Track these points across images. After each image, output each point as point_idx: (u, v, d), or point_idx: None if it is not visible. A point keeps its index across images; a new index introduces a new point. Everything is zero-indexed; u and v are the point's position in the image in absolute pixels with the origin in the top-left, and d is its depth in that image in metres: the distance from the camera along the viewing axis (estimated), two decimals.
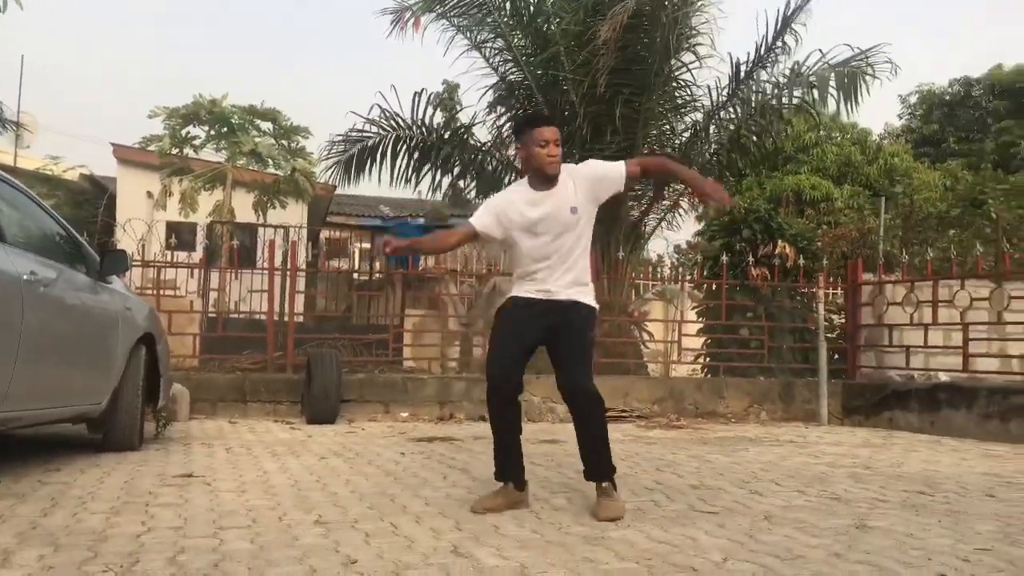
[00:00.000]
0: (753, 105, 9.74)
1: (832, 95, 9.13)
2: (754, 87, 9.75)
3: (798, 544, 2.93)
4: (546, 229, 3.47)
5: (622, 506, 3.43)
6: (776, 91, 9.56)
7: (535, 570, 2.50)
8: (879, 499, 3.90)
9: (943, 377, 8.08)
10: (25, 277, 3.72)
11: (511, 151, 10.04)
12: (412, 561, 2.57)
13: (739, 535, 3.06)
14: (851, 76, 8.99)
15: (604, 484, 3.48)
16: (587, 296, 3.55)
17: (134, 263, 7.46)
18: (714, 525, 3.23)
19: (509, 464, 3.54)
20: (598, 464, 3.50)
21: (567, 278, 3.50)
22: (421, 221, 18.31)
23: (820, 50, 9.35)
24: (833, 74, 9.07)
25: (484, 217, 3.52)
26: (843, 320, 9.34)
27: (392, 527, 3.06)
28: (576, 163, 3.65)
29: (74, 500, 3.39)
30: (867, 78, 8.96)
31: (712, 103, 9.76)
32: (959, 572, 2.58)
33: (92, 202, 16.22)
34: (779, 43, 9.45)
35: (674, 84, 9.67)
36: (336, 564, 2.51)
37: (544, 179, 3.50)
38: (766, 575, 2.50)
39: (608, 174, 3.57)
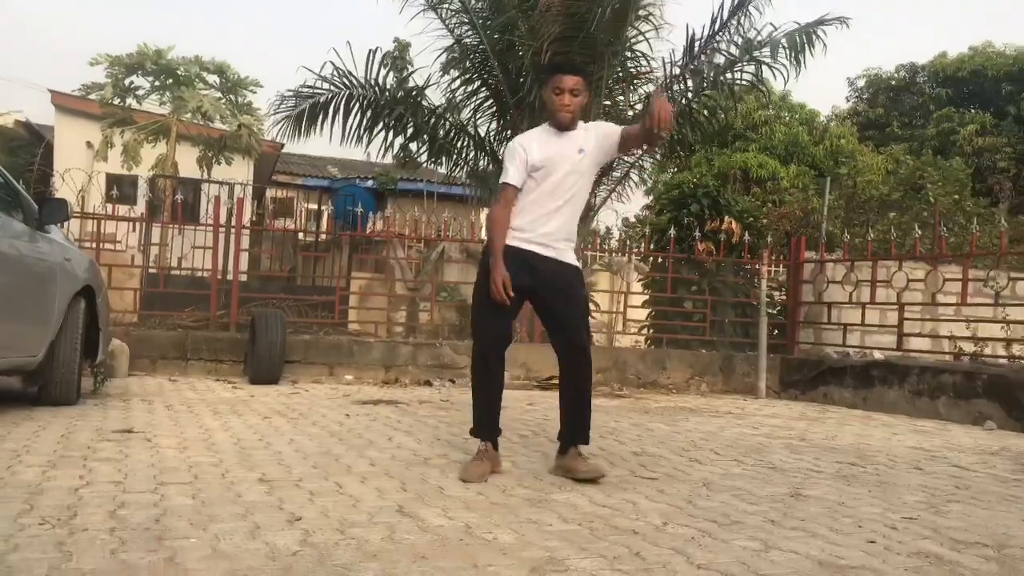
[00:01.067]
0: (706, 79, 9.79)
1: (782, 64, 9.19)
2: (707, 61, 9.79)
3: (735, 510, 3.01)
4: (553, 167, 3.46)
5: (600, 466, 3.52)
6: (729, 66, 9.61)
7: (480, 530, 2.53)
8: (813, 469, 4.03)
9: (878, 355, 8.33)
10: None
11: (464, 115, 9.97)
12: (357, 520, 2.58)
13: (678, 501, 3.13)
14: (802, 38, 9.05)
15: (576, 448, 3.52)
16: (573, 254, 3.58)
17: (73, 215, 7.25)
18: (654, 491, 3.30)
19: (493, 421, 3.57)
20: (584, 427, 3.54)
21: (561, 228, 3.50)
22: (370, 183, 18.12)
23: (772, 24, 9.41)
24: (784, 39, 9.13)
25: (515, 172, 3.48)
26: (784, 297, 9.54)
27: (337, 486, 3.06)
28: (523, 131, 3.65)
29: (7, 453, 3.31)
30: (816, 40, 9.03)
31: (665, 75, 9.78)
32: (887, 539, 2.69)
33: (28, 149, 15.67)
34: (733, 20, 9.50)
35: (627, 55, 9.65)
36: (280, 521, 2.50)
37: (558, 124, 3.52)
38: (704, 539, 2.57)
39: (612, 133, 3.57)
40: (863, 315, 8.33)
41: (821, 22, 9.03)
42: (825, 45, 8.95)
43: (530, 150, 3.49)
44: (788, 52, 9.07)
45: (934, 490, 3.61)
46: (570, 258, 3.55)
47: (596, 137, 3.56)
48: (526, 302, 3.62)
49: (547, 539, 2.47)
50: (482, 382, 3.56)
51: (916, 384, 7.20)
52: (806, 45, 9.00)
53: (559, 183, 3.48)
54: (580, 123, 3.60)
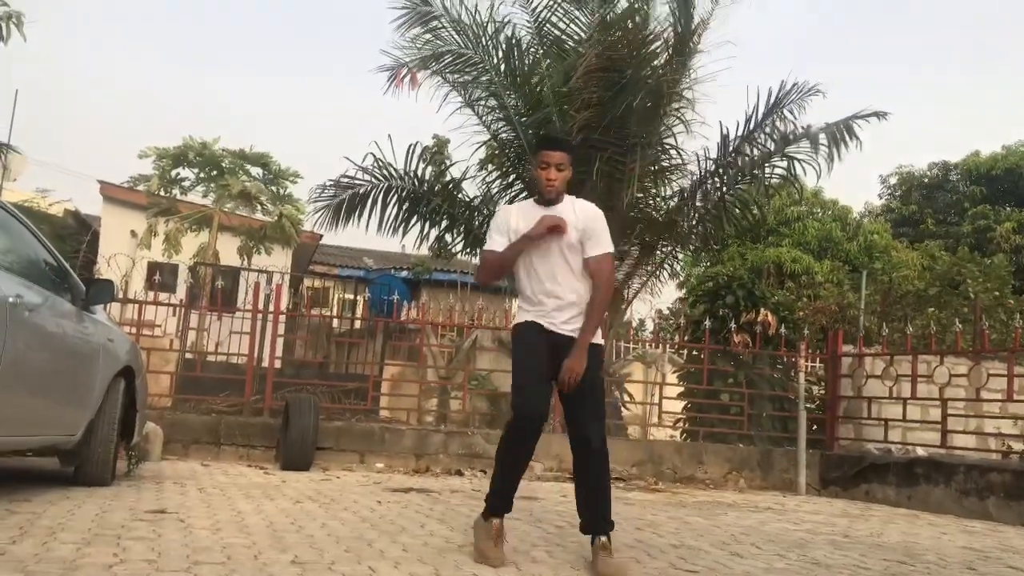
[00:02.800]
0: (739, 174, 9.90)
1: (815, 159, 9.27)
2: (741, 160, 9.91)
3: None
4: (537, 244, 3.47)
5: (625, 565, 3.40)
6: (763, 161, 9.72)
7: None
8: (860, 566, 3.88)
9: (921, 452, 8.10)
10: (11, 300, 3.68)
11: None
12: None
13: None
14: (840, 132, 9.16)
15: (603, 539, 3.41)
16: (597, 336, 3.53)
17: (116, 299, 7.40)
18: None
19: (508, 499, 3.54)
20: (600, 516, 3.45)
21: (568, 306, 3.48)
22: (405, 274, 18.36)
23: (805, 121, 9.55)
24: (822, 134, 9.25)
25: (496, 239, 3.54)
26: (822, 391, 9.37)
27: (370, 571, 3.00)
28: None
29: (43, 529, 3.30)
30: (852, 137, 9.13)
31: (700, 171, 9.91)
32: None
33: (75, 237, 16.12)
34: (768, 120, 9.66)
35: (659, 148, 9.82)
36: None
37: (544, 199, 3.57)
38: None
39: (592, 240, 3.52)
40: (904, 410, 8.13)
41: (856, 116, 9.15)
42: (860, 140, 9.06)
43: (510, 219, 3.54)
44: (828, 145, 9.18)
45: None
46: (596, 336, 3.50)
47: (582, 226, 3.51)
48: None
49: None
50: (512, 452, 3.51)
51: (963, 483, 6.96)
52: (843, 139, 9.12)
53: (543, 258, 3.49)
54: (569, 198, 3.61)
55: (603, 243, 3.55)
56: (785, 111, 9.45)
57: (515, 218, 3.56)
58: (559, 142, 3.78)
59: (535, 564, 3.39)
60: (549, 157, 3.51)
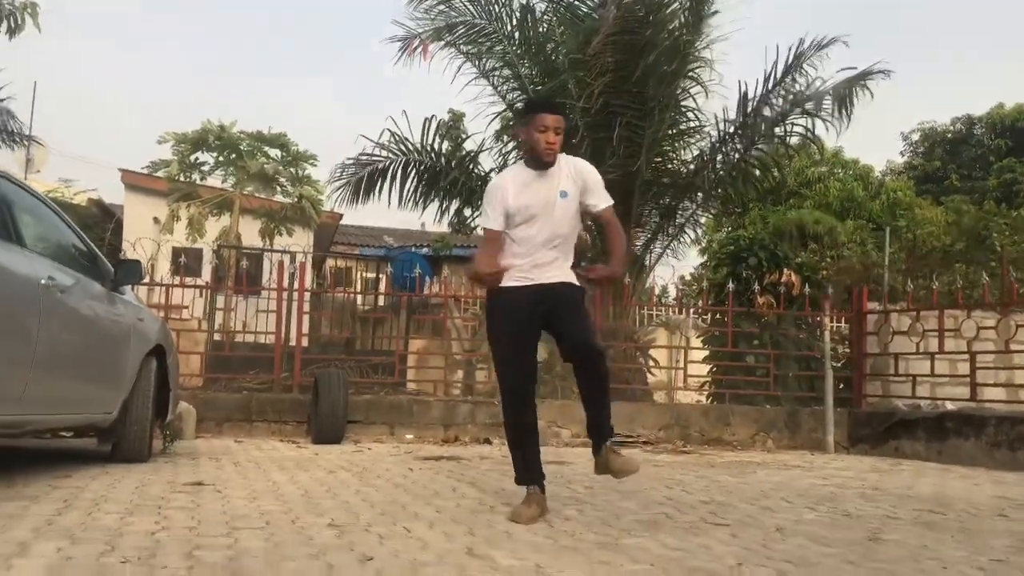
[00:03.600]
0: (759, 136, 9.82)
1: (831, 117, 9.20)
2: (761, 120, 9.83)
3: (812, 553, 2.92)
4: (537, 212, 3.49)
5: (636, 461, 3.53)
6: (781, 119, 9.64)
7: (551, 569, 2.50)
8: (890, 516, 3.89)
9: (950, 406, 8.06)
10: (43, 282, 3.76)
11: None
12: (428, 559, 2.57)
13: (753, 544, 3.05)
14: (847, 90, 9.09)
15: (610, 444, 3.53)
16: (574, 278, 3.61)
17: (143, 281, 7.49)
18: (727, 535, 3.23)
19: (534, 466, 3.57)
20: (603, 426, 3.53)
21: (555, 266, 3.54)
22: (426, 250, 18.41)
23: (822, 78, 9.45)
24: (830, 91, 9.18)
25: (495, 216, 3.52)
26: (848, 349, 9.33)
27: (405, 530, 3.06)
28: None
29: (87, 502, 3.38)
30: (862, 91, 9.05)
31: (719, 133, 9.84)
32: None
33: (100, 226, 16.31)
34: (788, 78, 9.56)
35: (677, 111, 9.76)
36: (352, 561, 2.51)
37: (539, 163, 3.54)
38: None
39: (594, 194, 3.59)
40: (932, 366, 8.09)
41: (865, 74, 9.05)
42: (872, 95, 8.98)
43: (508, 192, 3.51)
44: (833, 105, 9.10)
45: (1022, 536, 3.46)
46: (573, 278, 3.59)
47: (578, 183, 3.55)
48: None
49: None
50: (516, 424, 3.58)
51: (994, 435, 6.94)
52: (851, 97, 9.04)
53: (543, 226, 3.50)
54: (561, 157, 3.60)
55: (604, 195, 3.64)
56: (806, 66, 9.36)
57: (512, 190, 3.51)
58: (556, 105, 3.84)
59: (567, 522, 3.43)
60: (550, 120, 3.48)
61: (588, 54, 8.82)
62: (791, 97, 9.61)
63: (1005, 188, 23.03)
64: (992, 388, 8.04)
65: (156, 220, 16.38)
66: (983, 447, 7.00)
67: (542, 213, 3.50)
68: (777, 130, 9.79)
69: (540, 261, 3.52)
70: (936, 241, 15.87)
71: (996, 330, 7.67)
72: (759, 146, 9.91)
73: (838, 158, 21.93)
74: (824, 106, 9.23)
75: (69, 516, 3.05)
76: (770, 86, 9.62)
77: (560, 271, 3.56)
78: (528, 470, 3.57)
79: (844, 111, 9.08)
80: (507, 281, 3.53)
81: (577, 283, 3.61)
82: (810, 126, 9.66)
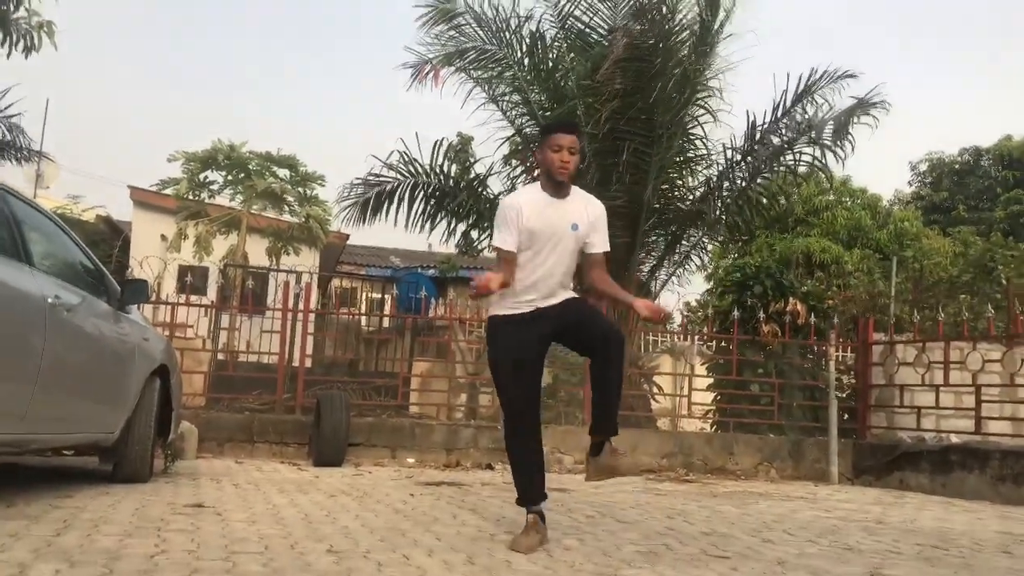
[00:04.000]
0: (766, 165, 9.85)
1: (837, 145, 9.26)
2: (769, 148, 9.87)
3: None
4: (546, 239, 3.50)
5: (636, 463, 3.54)
6: (788, 146, 9.68)
7: None
8: (892, 551, 3.86)
9: (955, 439, 8.00)
10: (50, 300, 3.78)
11: None
12: None
13: None
14: (846, 120, 9.16)
15: (611, 442, 3.55)
16: (574, 295, 3.67)
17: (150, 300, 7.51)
18: (727, 568, 3.21)
19: (537, 487, 3.55)
20: (612, 418, 3.53)
21: (556, 296, 3.56)
22: (432, 271, 18.43)
23: (830, 104, 9.50)
24: (831, 122, 9.25)
25: (508, 236, 3.50)
26: (853, 380, 9.30)
27: (404, 558, 3.05)
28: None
29: (87, 523, 3.38)
30: (863, 117, 9.13)
31: (726, 160, 9.88)
32: None
33: (108, 243, 16.39)
34: (797, 107, 9.62)
35: (685, 138, 9.80)
36: None
37: (554, 185, 3.55)
38: None
39: (599, 235, 3.65)
40: (937, 398, 8.04)
41: (863, 104, 9.13)
42: (877, 121, 9.05)
43: (522, 214, 3.49)
44: (833, 134, 9.17)
45: None
46: (571, 295, 3.63)
47: (588, 221, 3.59)
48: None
49: None
50: (519, 447, 3.57)
51: (999, 469, 6.88)
52: (848, 127, 9.12)
53: (549, 253, 3.51)
54: (577, 190, 3.64)
55: (607, 239, 3.71)
56: (816, 97, 9.42)
57: (526, 211, 3.49)
58: (571, 125, 3.86)
59: (567, 552, 3.41)
60: (562, 139, 3.50)
61: (597, 80, 8.90)
62: (796, 126, 9.66)
63: (1012, 220, 23.03)
64: (997, 421, 7.99)
65: (164, 237, 16.45)
66: (987, 481, 6.95)
67: (551, 241, 3.51)
68: (786, 158, 9.82)
69: (543, 289, 3.53)
70: (943, 272, 15.84)
71: (1002, 363, 7.64)
72: (766, 174, 9.94)
73: (846, 187, 21.94)
74: (825, 135, 9.29)
75: (69, 537, 3.05)
76: (779, 115, 9.67)
77: (560, 300, 3.57)
78: (532, 491, 3.56)
79: (843, 140, 9.14)
80: (508, 308, 3.54)
81: (578, 296, 3.65)
82: (819, 155, 9.69)
